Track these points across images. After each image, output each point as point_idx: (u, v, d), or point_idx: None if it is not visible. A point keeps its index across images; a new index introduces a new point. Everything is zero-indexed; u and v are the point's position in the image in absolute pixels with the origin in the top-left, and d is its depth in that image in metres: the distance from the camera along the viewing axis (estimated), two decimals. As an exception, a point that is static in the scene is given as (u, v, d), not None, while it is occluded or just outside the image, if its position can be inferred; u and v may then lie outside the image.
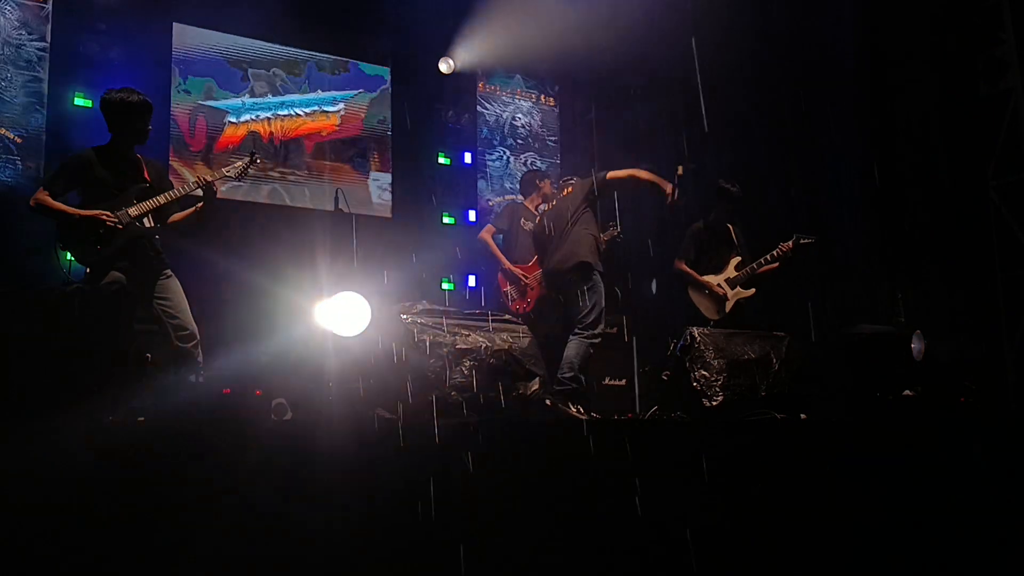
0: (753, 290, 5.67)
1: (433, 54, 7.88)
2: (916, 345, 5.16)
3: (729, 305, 5.64)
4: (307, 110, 7.28)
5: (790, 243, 5.59)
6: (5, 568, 2.03)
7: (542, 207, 5.87)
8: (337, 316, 4.94)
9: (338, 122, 7.42)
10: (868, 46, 6.36)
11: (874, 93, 6.30)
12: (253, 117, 7.02)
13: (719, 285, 5.66)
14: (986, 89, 5.75)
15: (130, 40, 6.27)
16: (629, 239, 8.08)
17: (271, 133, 7.08)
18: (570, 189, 5.44)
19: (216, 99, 6.85)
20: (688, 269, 5.71)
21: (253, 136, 6.98)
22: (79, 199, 4.19)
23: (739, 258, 5.73)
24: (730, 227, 5.81)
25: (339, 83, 7.48)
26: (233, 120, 6.92)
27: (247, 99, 7.00)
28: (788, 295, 6.12)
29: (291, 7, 6.87)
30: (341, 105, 7.44)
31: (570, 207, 5.27)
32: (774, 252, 5.62)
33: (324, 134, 7.33)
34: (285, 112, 7.18)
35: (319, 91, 7.37)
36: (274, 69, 7.18)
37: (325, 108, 7.37)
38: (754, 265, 5.65)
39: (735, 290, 5.66)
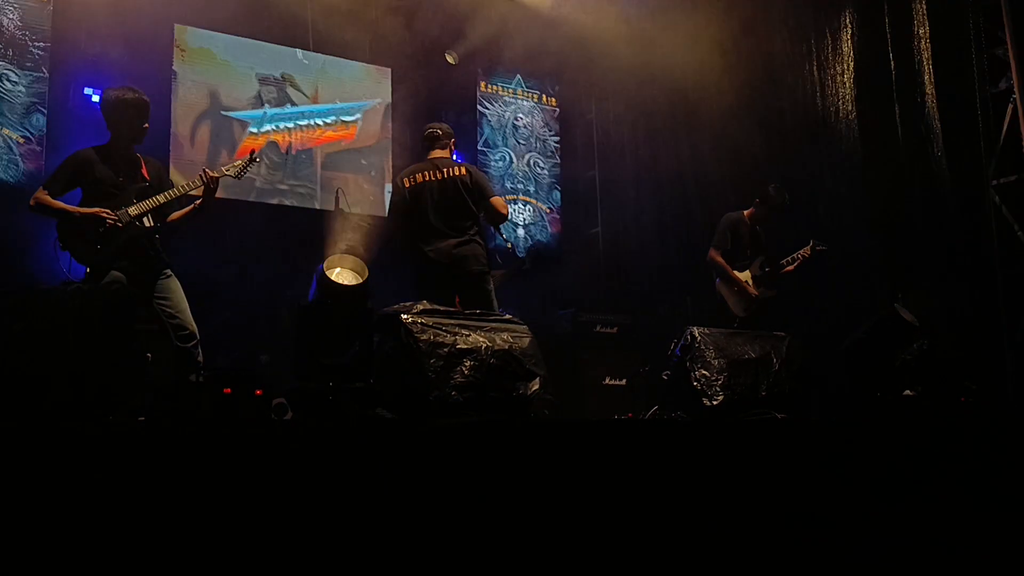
0: (775, 291, 5.74)
1: (434, 53, 7.89)
2: (904, 314, 5.18)
3: (756, 304, 5.67)
4: (327, 120, 7.34)
5: (808, 248, 5.70)
6: (4, 568, 2.03)
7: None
8: (339, 269, 5.11)
9: (357, 132, 7.47)
10: (868, 45, 6.35)
11: (874, 92, 6.30)
12: (274, 127, 7.09)
13: (747, 282, 5.68)
14: (986, 88, 5.75)
15: (131, 40, 6.28)
16: (629, 239, 8.11)
17: (290, 143, 7.14)
18: (462, 170, 4.90)
19: (226, 106, 6.89)
20: (723, 261, 5.72)
21: (272, 146, 7.03)
22: (80, 198, 4.20)
23: (762, 257, 5.80)
24: (758, 228, 5.90)
25: (350, 89, 7.50)
26: (254, 131, 6.98)
27: (268, 109, 7.07)
28: (788, 295, 6.12)
29: (291, 7, 6.89)
30: (359, 115, 7.49)
31: (467, 199, 4.85)
32: (794, 255, 5.72)
33: (343, 144, 7.39)
34: (305, 123, 7.23)
35: (337, 100, 7.42)
36: (277, 71, 7.19)
37: (343, 118, 7.42)
38: (778, 266, 5.73)
39: (761, 289, 5.68)
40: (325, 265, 5.16)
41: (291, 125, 7.16)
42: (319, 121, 7.29)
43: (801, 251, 5.72)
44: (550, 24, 7.57)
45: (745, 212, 5.93)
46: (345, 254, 5.23)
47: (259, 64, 7.11)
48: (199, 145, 6.75)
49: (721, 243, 5.77)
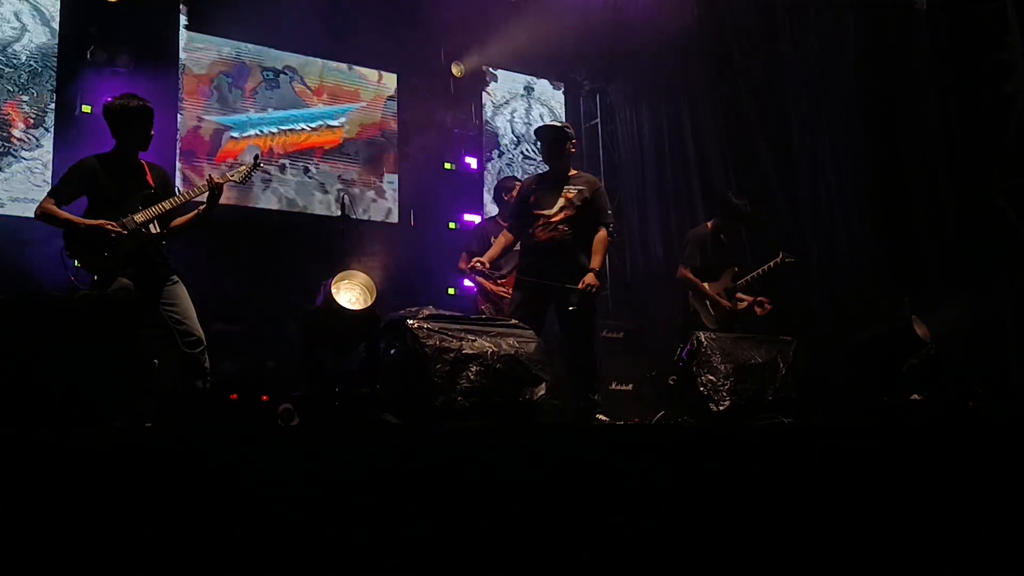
0: (747, 303, 5.70)
1: (441, 59, 7.92)
2: (919, 329, 5.15)
3: (729, 316, 5.65)
4: (312, 125, 7.30)
5: (778, 259, 5.68)
6: (7, 571, 2.03)
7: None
8: (344, 291, 5.06)
9: (343, 136, 7.45)
10: (870, 47, 6.34)
11: (878, 96, 6.28)
12: (257, 132, 7.03)
13: (720, 295, 5.67)
14: (992, 92, 5.73)
15: (137, 47, 6.31)
16: (634, 244, 8.11)
17: (271, 148, 7.08)
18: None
19: (219, 110, 6.89)
20: (693, 277, 5.69)
21: (252, 151, 6.98)
22: (86, 206, 4.21)
23: (735, 268, 5.76)
24: (723, 238, 5.83)
25: (347, 93, 7.52)
26: (235, 135, 6.93)
27: (251, 114, 7.01)
28: (794, 299, 6.11)
29: (299, 13, 6.91)
30: (344, 119, 7.47)
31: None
32: (765, 267, 5.68)
33: (327, 148, 7.36)
34: (289, 127, 7.18)
35: (328, 103, 7.40)
36: (281, 76, 7.20)
37: (329, 123, 7.39)
38: (749, 278, 5.70)
39: (734, 302, 5.68)
40: (333, 281, 5.11)
41: (275, 130, 7.10)
42: (304, 126, 7.25)
43: (771, 262, 5.70)
44: (556, 26, 7.59)
45: (708, 224, 5.88)
46: (354, 270, 5.19)
47: (263, 61, 7.14)
48: (202, 144, 6.78)
49: (691, 259, 5.73)
